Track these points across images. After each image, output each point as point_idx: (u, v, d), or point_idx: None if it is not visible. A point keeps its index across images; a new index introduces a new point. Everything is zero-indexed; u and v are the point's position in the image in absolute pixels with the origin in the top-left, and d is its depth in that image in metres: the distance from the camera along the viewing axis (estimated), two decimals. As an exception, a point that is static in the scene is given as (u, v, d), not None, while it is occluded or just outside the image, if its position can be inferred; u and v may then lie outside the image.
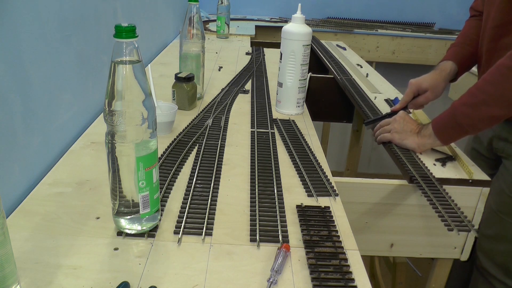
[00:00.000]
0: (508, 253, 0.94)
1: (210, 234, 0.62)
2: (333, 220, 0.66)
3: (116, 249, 0.58)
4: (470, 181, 0.86)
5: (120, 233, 0.60)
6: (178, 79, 1.07)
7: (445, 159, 0.92)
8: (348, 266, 0.56)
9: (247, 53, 1.82)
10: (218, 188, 0.74)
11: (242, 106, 1.16)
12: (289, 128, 1.02)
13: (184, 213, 0.66)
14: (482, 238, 0.98)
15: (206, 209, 0.67)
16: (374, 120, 1.09)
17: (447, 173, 0.88)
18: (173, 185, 0.74)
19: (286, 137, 0.96)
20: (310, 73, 1.44)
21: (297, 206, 0.70)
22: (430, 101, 1.07)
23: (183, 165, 0.82)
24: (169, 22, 1.92)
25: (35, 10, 0.72)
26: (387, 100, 1.29)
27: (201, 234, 0.61)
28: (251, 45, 2.04)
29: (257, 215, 0.66)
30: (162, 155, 0.84)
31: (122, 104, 0.52)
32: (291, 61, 1.06)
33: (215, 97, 1.21)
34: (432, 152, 0.95)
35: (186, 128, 0.98)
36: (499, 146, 0.99)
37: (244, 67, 1.56)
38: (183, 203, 0.69)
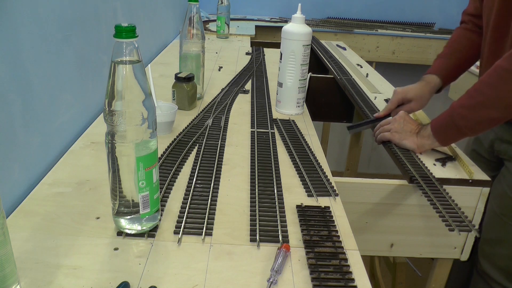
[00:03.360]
0: (510, 257, 0.94)
1: (210, 234, 0.62)
2: (333, 220, 0.66)
3: (116, 249, 0.58)
4: (470, 181, 0.86)
5: (120, 233, 0.60)
6: (178, 79, 1.07)
7: (445, 159, 0.92)
8: (348, 266, 0.56)
9: (247, 53, 1.82)
10: (218, 188, 0.74)
11: (242, 106, 1.16)
12: (289, 128, 1.02)
13: (184, 213, 0.66)
14: (483, 242, 0.97)
15: (206, 209, 0.67)
16: (357, 125, 1.09)
17: (447, 173, 0.88)
18: (173, 185, 0.74)
19: (286, 137, 0.96)
20: (310, 73, 1.44)
21: (297, 206, 0.70)
22: (413, 112, 1.09)
23: (183, 165, 0.82)
24: (169, 22, 1.92)
25: (35, 10, 0.72)
26: (387, 100, 1.29)
27: (201, 234, 0.61)
28: (251, 45, 2.04)
29: (257, 215, 0.66)
30: (162, 155, 0.84)
31: (122, 104, 0.52)
32: (291, 61, 1.06)
33: (215, 97, 1.21)
34: (432, 152, 0.95)
35: (186, 128, 0.98)
36: (501, 148, 0.98)
37: (244, 67, 1.56)
38: (183, 203, 0.69)
